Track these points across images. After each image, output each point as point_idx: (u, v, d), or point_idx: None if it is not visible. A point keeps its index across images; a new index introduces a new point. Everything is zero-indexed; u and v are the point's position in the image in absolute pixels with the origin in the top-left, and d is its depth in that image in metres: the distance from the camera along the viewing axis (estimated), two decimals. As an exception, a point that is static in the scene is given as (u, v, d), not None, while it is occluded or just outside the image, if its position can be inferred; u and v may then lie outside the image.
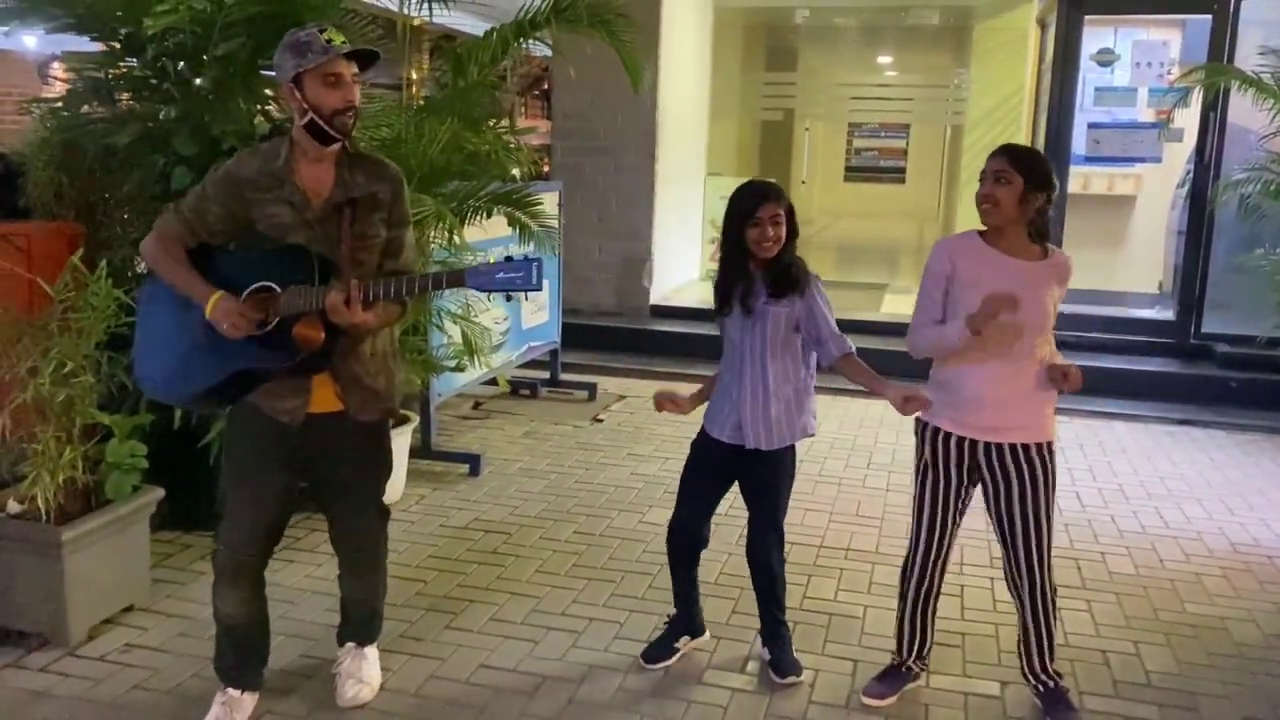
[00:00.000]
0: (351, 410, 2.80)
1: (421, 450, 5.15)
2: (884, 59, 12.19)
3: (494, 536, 4.32)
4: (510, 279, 2.49)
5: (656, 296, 8.44)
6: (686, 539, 3.27)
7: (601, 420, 6.13)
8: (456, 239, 4.24)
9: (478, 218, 4.38)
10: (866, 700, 3.12)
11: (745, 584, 3.74)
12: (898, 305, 8.82)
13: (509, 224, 4.34)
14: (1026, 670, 3.08)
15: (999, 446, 2.90)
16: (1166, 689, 3.25)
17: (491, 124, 6.69)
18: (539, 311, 6.31)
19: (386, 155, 4.05)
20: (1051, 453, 2.95)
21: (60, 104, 3.94)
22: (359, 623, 3.10)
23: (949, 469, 2.97)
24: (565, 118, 8.25)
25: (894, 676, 3.19)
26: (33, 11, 3.62)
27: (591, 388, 6.63)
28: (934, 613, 3.16)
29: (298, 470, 2.83)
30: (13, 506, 3.32)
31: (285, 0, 3.82)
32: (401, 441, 4.67)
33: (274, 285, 2.64)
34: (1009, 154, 2.83)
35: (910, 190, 14.87)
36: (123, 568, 3.43)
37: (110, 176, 3.98)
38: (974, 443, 2.92)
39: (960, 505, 3.03)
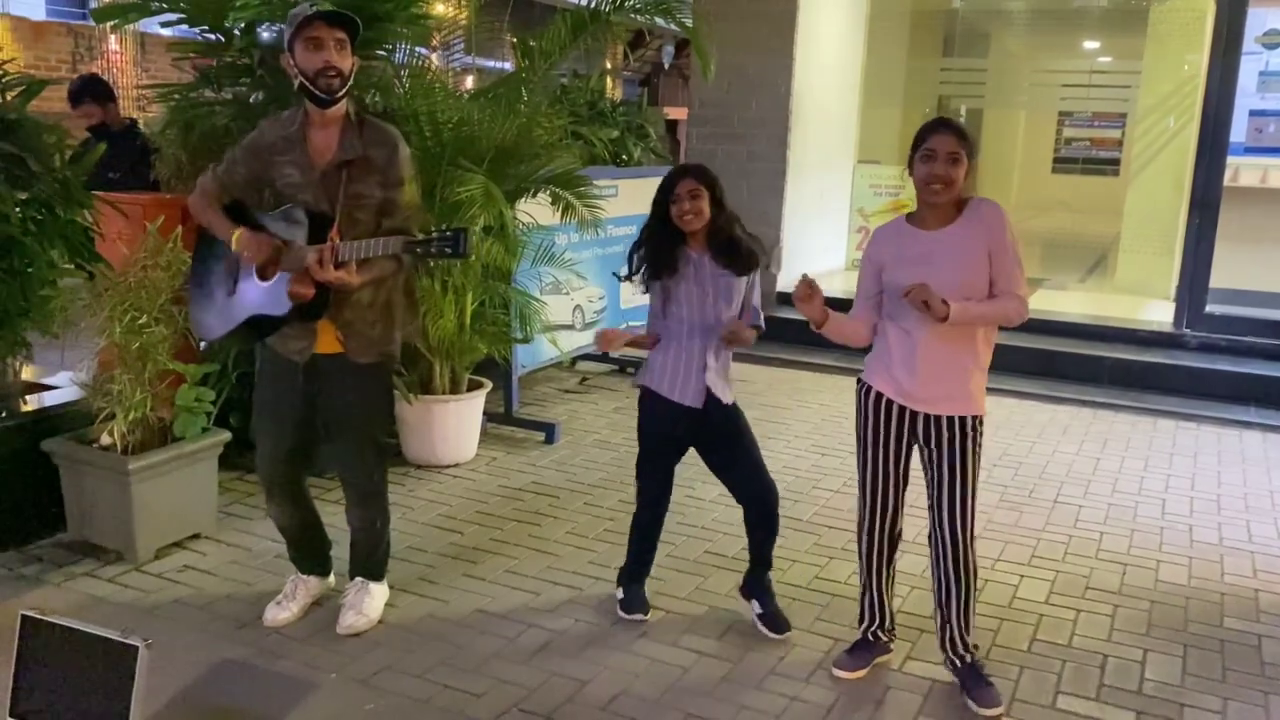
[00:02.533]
0: (350, 352, 3.15)
1: (503, 416, 5.46)
2: (1056, 43, 11.64)
3: (542, 499, 4.56)
4: (442, 247, 2.84)
5: (787, 284, 8.43)
6: (657, 509, 3.51)
7: (695, 400, 6.26)
8: (513, 218, 4.48)
9: (534, 199, 4.62)
10: (837, 672, 3.17)
11: (726, 563, 3.85)
12: (1045, 302, 8.46)
13: (552, 202, 4.57)
14: (946, 648, 3.08)
15: (935, 419, 2.92)
16: (1155, 698, 3.11)
17: (618, 111, 6.97)
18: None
19: (453, 138, 4.38)
20: (978, 427, 2.95)
21: (174, 90, 4.45)
22: (362, 553, 3.42)
23: (888, 432, 3.00)
24: (701, 105, 8.38)
25: (863, 648, 3.23)
26: (147, 6, 4.12)
27: (695, 369, 6.76)
28: (890, 580, 3.19)
29: (309, 403, 3.22)
30: (105, 439, 3.82)
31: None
32: (474, 405, 4.99)
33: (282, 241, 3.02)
34: (955, 131, 2.80)
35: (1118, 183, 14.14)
36: (189, 499, 3.89)
37: (215, 155, 4.45)
38: (913, 414, 2.95)
39: (901, 468, 3.04)
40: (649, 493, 3.53)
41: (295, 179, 3.03)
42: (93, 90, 5.55)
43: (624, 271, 3.39)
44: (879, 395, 3.00)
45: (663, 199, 3.24)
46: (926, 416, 2.94)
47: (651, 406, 3.42)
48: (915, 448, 3.02)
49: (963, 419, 2.92)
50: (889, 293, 2.94)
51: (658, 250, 3.26)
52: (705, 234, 3.24)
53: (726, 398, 3.34)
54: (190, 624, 3.35)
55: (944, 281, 2.82)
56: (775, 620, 3.43)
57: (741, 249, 3.25)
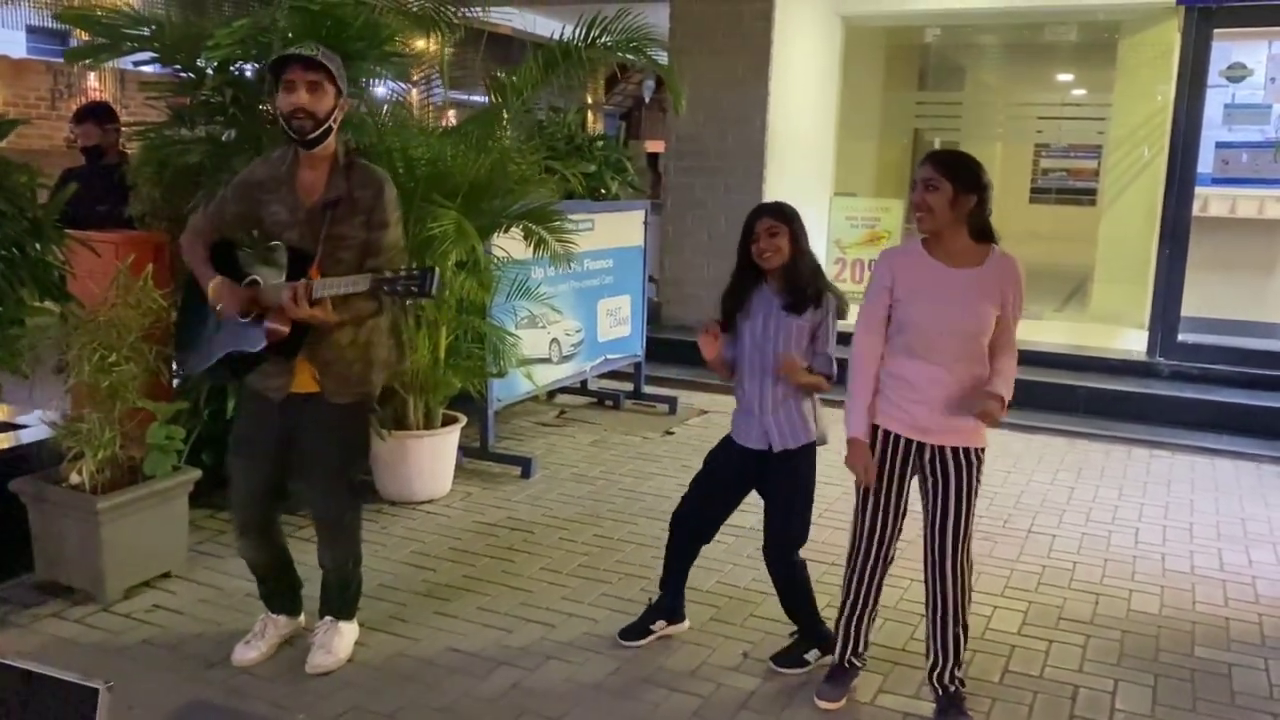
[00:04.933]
0: (326, 392, 3.15)
1: (480, 451, 5.46)
2: (1031, 76, 11.82)
3: (517, 534, 4.55)
4: (409, 286, 2.86)
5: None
6: (691, 529, 3.50)
7: (673, 433, 6.27)
8: (486, 253, 4.50)
9: (507, 233, 4.65)
10: (820, 703, 3.19)
11: (703, 597, 3.86)
12: (1020, 331, 8.51)
13: (525, 237, 4.60)
14: (933, 678, 3.09)
15: (940, 449, 2.95)
16: (1126, 729, 3.12)
17: (595, 145, 7.02)
18: (619, 325, 6.52)
19: (427, 174, 4.41)
20: (982, 458, 2.99)
21: (148, 128, 4.46)
22: (333, 592, 3.40)
23: (890, 469, 3.02)
24: (679, 139, 8.45)
25: (841, 676, 3.25)
26: (119, 47, 4.14)
27: (673, 401, 6.77)
28: (874, 613, 3.21)
29: (285, 442, 3.21)
30: (74, 478, 3.79)
31: (338, 34, 4.21)
32: (449, 440, 4.98)
33: (259, 279, 3.03)
34: (934, 160, 2.88)
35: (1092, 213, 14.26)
36: (159, 538, 3.86)
37: (188, 192, 4.46)
38: (920, 445, 2.98)
39: (900, 506, 3.07)
40: (689, 500, 3.50)
41: (282, 217, 3.05)
42: (98, 115, 5.55)
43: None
44: (886, 433, 3.01)
45: (745, 241, 3.25)
46: (933, 448, 2.96)
47: (726, 441, 3.44)
48: (915, 479, 3.05)
49: (968, 450, 2.96)
50: (909, 324, 2.93)
51: (735, 289, 3.31)
52: (783, 272, 3.23)
53: (788, 442, 3.27)
54: (158, 664, 3.31)
55: (961, 322, 2.89)
56: (787, 657, 3.42)
57: (806, 289, 3.23)
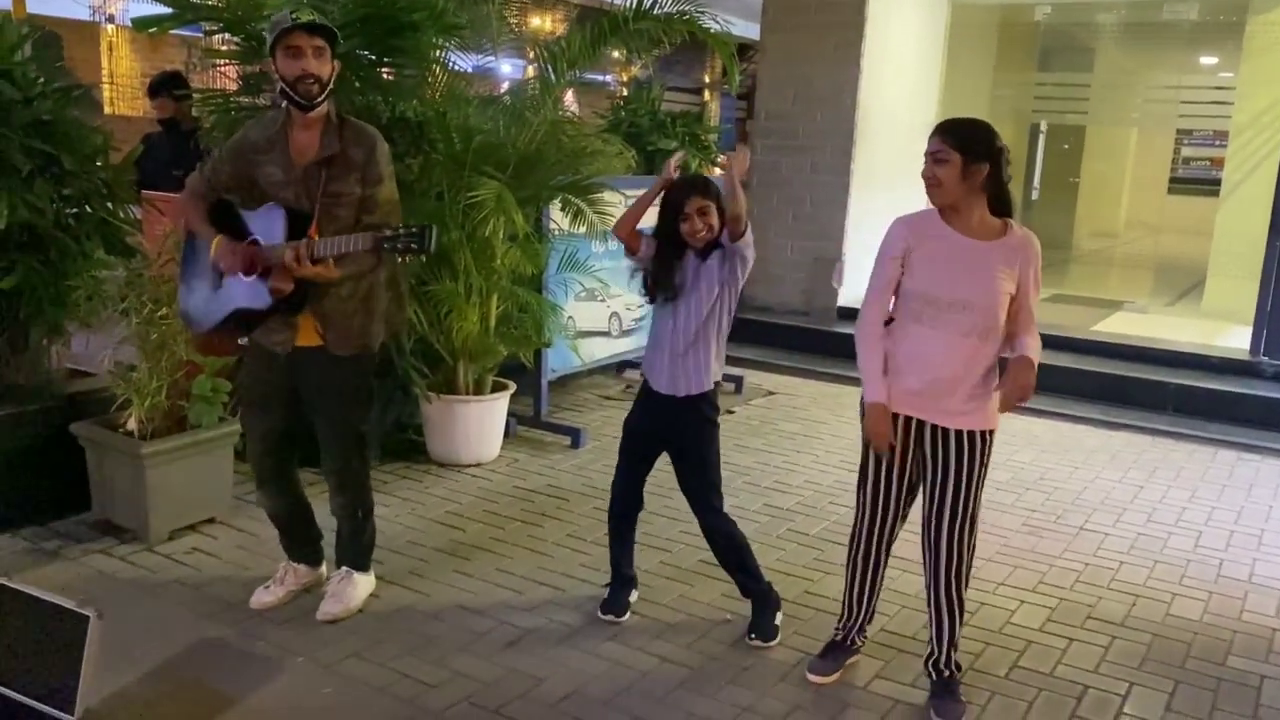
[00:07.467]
0: (329, 345, 3.27)
1: (533, 419, 5.55)
2: (1169, 58, 11.24)
3: (552, 501, 4.62)
4: (409, 243, 2.96)
5: (849, 299, 8.35)
6: (629, 502, 3.56)
7: (733, 412, 6.24)
8: (530, 224, 4.56)
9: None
10: (811, 677, 3.18)
11: (717, 571, 3.82)
12: (1118, 325, 8.18)
13: (561, 208, 4.63)
14: (928, 664, 3.04)
15: (944, 431, 2.89)
16: (1128, 733, 2.99)
17: (678, 123, 7.01)
18: (685, 301, 6.50)
19: (484, 146, 4.49)
20: (990, 442, 2.91)
21: (213, 95, 4.66)
22: (345, 541, 3.53)
23: (898, 444, 2.97)
24: (767, 116, 8.36)
25: (836, 651, 3.23)
26: (185, 16, 4.34)
27: (739, 381, 6.73)
28: (877, 588, 3.18)
29: (292, 393, 3.36)
30: (131, 424, 4.03)
31: (393, 4, 4.32)
32: (497, 406, 5.08)
33: (259, 238, 3.15)
34: (942, 131, 2.82)
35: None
36: (203, 484, 4.06)
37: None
38: (920, 424, 2.92)
39: (904, 482, 3.01)
40: (615, 483, 3.56)
41: (277, 177, 3.16)
42: (170, 86, 5.89)
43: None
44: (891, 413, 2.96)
45: (671, 217, 3.24)
46: (937, 429, 2.90)
47: (638, 394, 3.48)
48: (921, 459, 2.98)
49: (972, 434, 2.88)
50: (920, 291, 2.88)
51: (664, 270, 3.28)
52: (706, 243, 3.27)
53: (693, 388, 3.29)
54: (182, 602, 3.50)
55: (973, 293, 2.81)
56: (760, 630, 3.42)
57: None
